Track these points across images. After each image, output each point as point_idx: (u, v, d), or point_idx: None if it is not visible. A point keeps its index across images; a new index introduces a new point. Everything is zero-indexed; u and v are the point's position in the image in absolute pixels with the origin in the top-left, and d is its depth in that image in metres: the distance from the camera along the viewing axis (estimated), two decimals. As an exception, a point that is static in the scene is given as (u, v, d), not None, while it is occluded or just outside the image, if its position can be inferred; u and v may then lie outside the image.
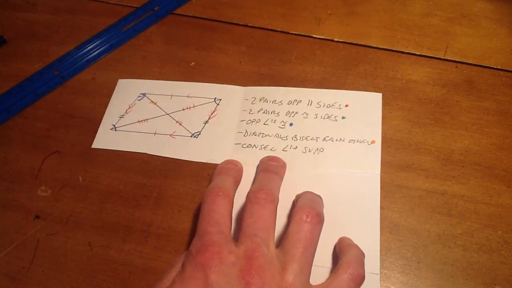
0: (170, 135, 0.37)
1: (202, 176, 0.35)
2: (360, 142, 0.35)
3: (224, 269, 0.25)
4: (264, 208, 0.29)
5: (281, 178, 0.34)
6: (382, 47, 0.41)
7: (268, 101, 0.38)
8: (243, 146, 0.36)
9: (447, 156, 0.35)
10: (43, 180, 0.36)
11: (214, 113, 0.38)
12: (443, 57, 0.40)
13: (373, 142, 0.35)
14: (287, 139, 0.36)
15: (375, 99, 0.37)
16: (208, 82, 0.40)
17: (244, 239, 0.27)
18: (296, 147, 0.36)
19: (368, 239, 0.31)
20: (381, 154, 0.35)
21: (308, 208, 0.29)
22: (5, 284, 0.32)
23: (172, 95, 0.40)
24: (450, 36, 0.41)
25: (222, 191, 0.30)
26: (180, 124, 0.38)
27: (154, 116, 0.39)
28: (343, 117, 0.37)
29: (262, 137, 0.36)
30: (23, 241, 0.34)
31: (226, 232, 0.28)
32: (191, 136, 0.37)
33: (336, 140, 0.35)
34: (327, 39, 0.42)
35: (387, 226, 0.32)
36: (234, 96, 0.39)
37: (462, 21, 0.42)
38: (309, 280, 0.27)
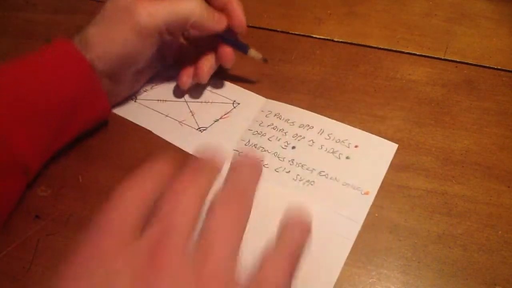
0: (179, 121, 0.38)
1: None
2: (353, 188, 0.33)
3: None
4: None
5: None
6: (382, 47, 0.41)
7: (282, 118, 0.37)
8: (240, 154, 0.36)
9: (447, 156, 0.35)
10: (43, 180, 0.36)
11: (227, 115, 0.38)
12: (443, 57, 0.40)
13: (366, 193, 0.33)
14: (283, 160, 0.35)
15: (388, 148, 0.35)
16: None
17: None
18: (289, 171, 0.34)
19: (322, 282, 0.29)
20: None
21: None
22: (5, 284, 0.32)
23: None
24: (450, 36, 0.41)
25: None
26: (192, 115, 0.38)
27: (173, 99, 0.39)
28: (347, 157, 0.35)
29: (261, 151, 0.36)
30: (23, 241, 0.34)
31: None
32: (196, 129, 0.37)
33: (331, 178, 0.34)
34: (327, 39, 0.42)
35: (387, 226, 0.32)
36: (252, 104, 0.39)
37: (462, 21, 0.42)
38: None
